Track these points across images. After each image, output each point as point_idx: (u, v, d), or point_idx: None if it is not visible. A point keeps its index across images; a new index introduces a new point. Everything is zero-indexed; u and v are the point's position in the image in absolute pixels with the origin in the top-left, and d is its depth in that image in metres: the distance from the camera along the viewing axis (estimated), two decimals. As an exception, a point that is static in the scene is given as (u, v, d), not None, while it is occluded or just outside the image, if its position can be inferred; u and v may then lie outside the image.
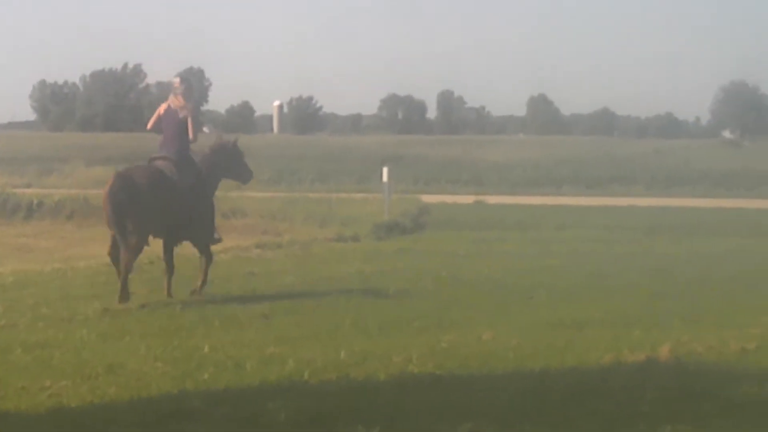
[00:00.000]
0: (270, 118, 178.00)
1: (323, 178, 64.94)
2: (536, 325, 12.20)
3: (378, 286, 16.08)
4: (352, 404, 7.91)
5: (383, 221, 31.18)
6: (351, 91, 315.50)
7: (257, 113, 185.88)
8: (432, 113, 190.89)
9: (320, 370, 9.16)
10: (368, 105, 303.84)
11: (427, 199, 42.20)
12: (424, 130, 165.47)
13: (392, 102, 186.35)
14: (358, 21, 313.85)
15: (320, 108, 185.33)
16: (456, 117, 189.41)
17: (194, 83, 16.98)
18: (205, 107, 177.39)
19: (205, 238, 15.44)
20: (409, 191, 49.08)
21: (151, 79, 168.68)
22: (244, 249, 22.79)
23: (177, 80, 15.62)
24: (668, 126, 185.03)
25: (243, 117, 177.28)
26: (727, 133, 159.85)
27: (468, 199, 44.47)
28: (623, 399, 7.89)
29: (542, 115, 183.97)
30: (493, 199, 43.28)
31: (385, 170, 35.45)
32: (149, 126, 15.38)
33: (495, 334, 11.19)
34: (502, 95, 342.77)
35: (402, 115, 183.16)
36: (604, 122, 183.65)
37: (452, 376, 8.97)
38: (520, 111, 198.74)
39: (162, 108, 15.23)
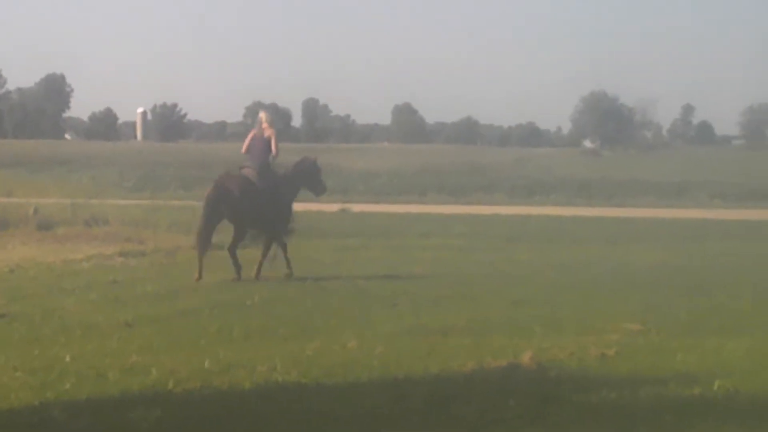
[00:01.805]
0: (133, 125, 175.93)
1: (188, 185, 64.36)
2: (400, 333, 12.28)
3: (242, 295, 16.03)
4: (216, 413, 7.87)
5: (248, 229, 31.01)
6: (216, 99, 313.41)
7: (120, 120, 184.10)
8: (297, 121, 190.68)
9: (184, 379, 9.09)
10: (233, 112, 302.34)
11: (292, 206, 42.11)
12: (290, 138, 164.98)
13: (257, 109, 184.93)
14: (223, 27, 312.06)
15: (185, 115, 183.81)
16: (321, 125, 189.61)
17: (275, 116, 20.40)
18: (66, 114, 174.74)
19: (274, 231, 19.55)
20: (274, 199, 48.82)
21: (11, 85, 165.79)
22: (106, 257, 22.52)
23: (263, 115, 20.40)
24: (530, 135, 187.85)
25: (106, 124, 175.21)
26: (587, 143, 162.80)
27: (333, 207, 44.43)
28: (485, 405, 7.97)
29: (407, 123, 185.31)
30: (357, 207, 43.44)
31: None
32: (244, 149, 19.74)
33: (359, 342, 11.23)
34: (367, 104, 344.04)
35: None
36: (468, 131, 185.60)
37: (317, 384, 8.97)
38: (385, 119, 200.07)
39: (252, 134, 19.87)
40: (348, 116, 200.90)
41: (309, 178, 20.45)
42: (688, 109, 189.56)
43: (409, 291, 16.62)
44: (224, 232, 20.24)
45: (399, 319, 13.55)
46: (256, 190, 19.01)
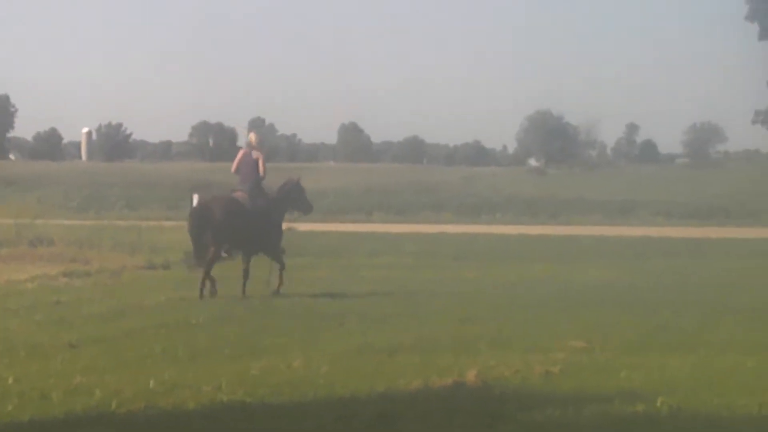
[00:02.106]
0: (78, 144, 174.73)
1: (133, 205, 64.15)
2: (347, 352, 12.26)
3: (188, 314, 15.96)
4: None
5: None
6: (161, 118, 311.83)
7: (65, 140, 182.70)
8: (243, 141, 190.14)
9: (128, 400, 9.03)
10: (179, 132, 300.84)
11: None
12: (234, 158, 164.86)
13: (203, 129, 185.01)
14: (168, 46, 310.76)
15: (130, 135, 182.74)
16: (267, 144, 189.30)
17: (264, 136, 20.78)
18: (10, 134, 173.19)
19: (274, 251, 19.97)
20: (220, 218, 48.74)
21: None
22: (51, 277, 22.33)
23: (252, 136, 20.76)
24: (476, 154, 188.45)
25: (50, 144, 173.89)
26: (532, 161, 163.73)
27: (280, 226, 44.40)
28: (431, 424, 7.99)
29: (353, 142, 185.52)
30: (304, 226, 43.28)
31: (195, 197, 35.16)
32: (233, 168, 20.24)
33: (305, 361, 11.20)
34: (313, 123, 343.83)
35: (213, 142, 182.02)
36: (414, 150, 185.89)
37: (262, 403, 8.95)
38: (331, 139, 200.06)
39: (240, 154, 20.30)
40: (294, 135, 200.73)
41: (295, 199, 20.80)
42: (632, 128, 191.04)
43: (356, 310, 16.61)
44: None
45: (346, 338, 13.54)
46: (245, 212, 19.38)
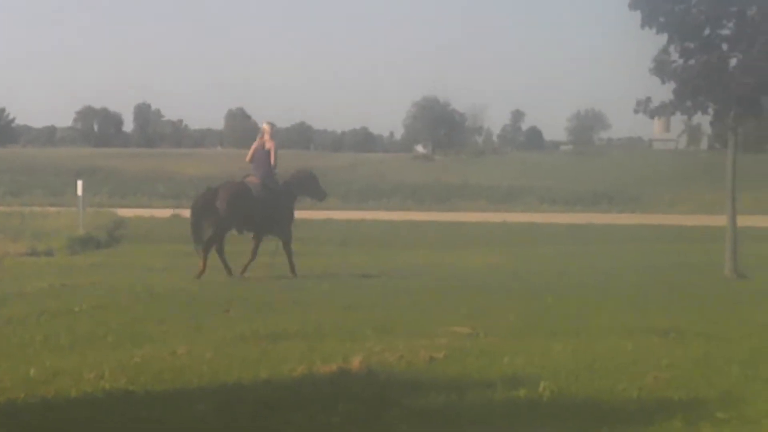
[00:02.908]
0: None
1: (15, 191, 63.02)
2: (231, 339, 12.18)
3: (71, 302, 15.71)
4: (41, 422, 7.72)
5: (78, 235, 30.61)
6: (45, 103, 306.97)
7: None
8: (129, 126, 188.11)
9: (8, 388, 8.88)
10: (63, 117, 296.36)
11: (123, 212, 41.64)
12: (121, 143, 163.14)
13: (88, 114, 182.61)
14: (53, 30, 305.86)
15: (13, 120, 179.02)
16: (153, 130, 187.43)
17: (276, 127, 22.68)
18: None
19: (283, 235, 21.20)
20: (104, 205, 48.27)
21: None
22: (-72, 265, 21.86)
23: (266, 126, 21.63)
24: (363, 140, 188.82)
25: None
26: (419, 148, 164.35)
27: (165, 212, 44.01)
28: (315, 410, 7.98)
29: (240, 128, 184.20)
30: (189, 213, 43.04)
31: (79, 183, 34.79)
32: (248, 158, 21.32)
33: (190, 348, 11.10)
34: (200, 109, 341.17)
35: (98, 127, 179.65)
36: (301, 136, 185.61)
37: (145, 391, 8.86)
38: (218, 124, 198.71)
39: (255, 144, 21.32)
40: (180, 121, 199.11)
41: (309, 187, 22.23)
42: (517, 115, 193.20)
43: (241, 296, 16.54)
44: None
45: (230, 325, 13.44)
46: (251, 197, 20.61)
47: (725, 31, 20.21)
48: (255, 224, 21.05)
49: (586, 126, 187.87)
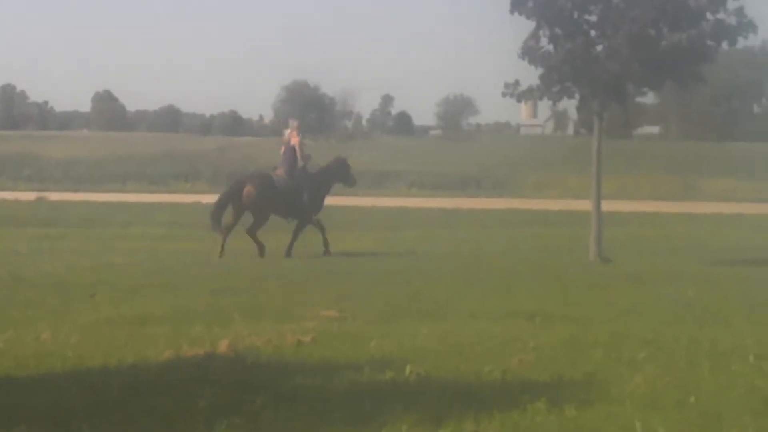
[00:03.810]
0: None
1: None
2: (97, 323, 12.02)
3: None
4: None
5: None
6: None
7: None
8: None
9: None
10: None
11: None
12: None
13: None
14: None
15: None
16: (18, 112, 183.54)
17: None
18: None
19: (304, 218, 23.45)
20: (-34, 187, 47.09)
21: None
22: None
23: (294, 123, 24.57)
24: (232, 124, 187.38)
25: None
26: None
27: (30, 195, 43.25)
28: (181, 394, 7.91)
29: (107, 111, 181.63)
30: (55, 196, 42.47)
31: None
32: (282, 152, 23.82)
33: (54, 333, 10.92)
34: (67, 91, 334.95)
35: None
36: (169, 119, 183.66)
37: (7, 377, 8.69)
38: (85, 107, 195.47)
39: (284, 138, 23.94)
40: (46, 103, 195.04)
41: (341, 174, 24.56)
42: (387, 100, 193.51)
43: (108, 281, 16.33)
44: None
45: (96, 309, 13.26)
46: (274, 187, 23.06)
47: (592, 18, 20.49)
48: (280, 211, 23.34)
49: (455, 111, 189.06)
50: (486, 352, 9.97)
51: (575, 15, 20.31)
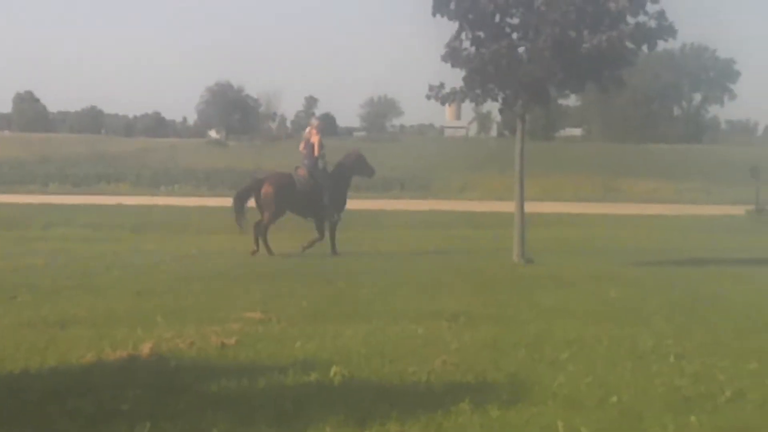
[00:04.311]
0: None
1: None
2: (18, 325, 11.87)
3: None
4: None
5: None
6: None
7: None
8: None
9: None
10: None
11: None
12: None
13: None
14: None
15: None
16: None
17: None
18: None
19: (325, 216, 23.94)
20: None
21: None
22: None
23: (314, 121, 25.26)
24: (156, 125, 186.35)
25: None
26: (212, 133, 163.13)
27: (-51, 197, 42.55)
28: (104, 397, 7.85)
29: (28, 112, 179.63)
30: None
31: None
32: (301, 148, 24.27)
33: (-27, 336, 10.80)
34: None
35: None
36: (92, 120, 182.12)
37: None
38: (6, 108, 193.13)
39: (305, 135, 24.37)
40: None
41: (359, 166, 24.92)
42: (311, 101, 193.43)
43: (29, 283, 16.13)
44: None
45: (17, 312, 13.10)
46: (294, 187, 23.57)
47: (514, 20, 20.59)
48: (298, 210, 23.97)
49: (379, 113, 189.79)
50: (410, 353, 10.01)
51: (497, 18, 20.39)
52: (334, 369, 8.97)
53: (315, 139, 23.93)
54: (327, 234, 23.99)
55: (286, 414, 7.51)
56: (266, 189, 23.43)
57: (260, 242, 23.26)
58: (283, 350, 10.10)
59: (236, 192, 24.34)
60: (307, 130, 24.58)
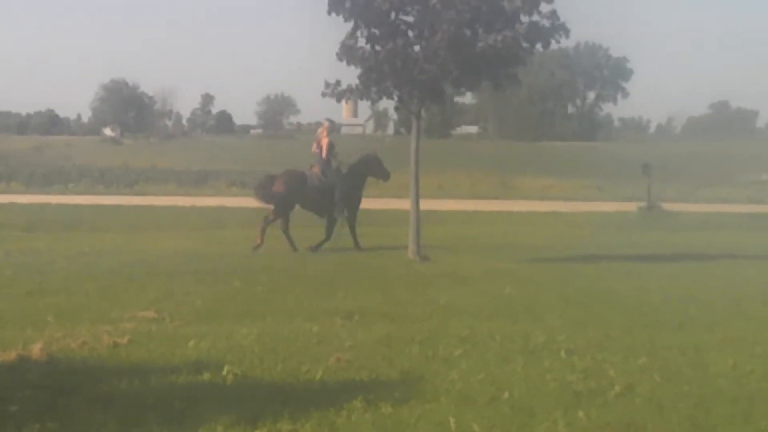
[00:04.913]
0: None
1: None
2: None
3: None
4: None
5: None
6: None
7: None
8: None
9: None
10: None
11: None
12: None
13: None
14: None
15: None
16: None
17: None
18: None
19: (339, 215, 24.76)
20: None
21: None
22: None
23: (326, 122, 25.77)
24: (50, 122, 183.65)
25: None
26: (107, 131, 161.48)
27: None
28: (-7, 400, 7.74)
29: None
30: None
31: None
32: (314, 149, 24.95)
33: None
34: None
35: None
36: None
37: None
38: None
39: (317, 136, 25.08)
40: None
41: (374, 169, 25.56)
42: (207, 99, 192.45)
43: None
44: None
45: None
46: (306, 185, 24.45)
47: (410, 19, 20.66)
48: (311, 206, 24.85)
49: (276, 110, 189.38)
50: (304, 351, 10.01)
51: (393, 16, 20.45)
52: (226, 368, 8.94)
53: (324, 142, 24.78)
54: (334, 232, 24.89)
55: (177, 414, 7.46)
56: (277, 186, 24.38)
57: (285, 239, 24.19)
58: (176, 350, 10.03)
59: (254, 188, 25.74)
60: (319, 131, 25.32)
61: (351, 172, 25.23)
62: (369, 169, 25.58)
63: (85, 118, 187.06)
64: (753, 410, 7.95)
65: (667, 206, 46.31)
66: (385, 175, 25.72)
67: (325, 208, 24.83)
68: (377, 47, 20.47)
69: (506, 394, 8.25)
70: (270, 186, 24.53)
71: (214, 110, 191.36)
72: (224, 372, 8.84)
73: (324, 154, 24.71)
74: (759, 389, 8.68)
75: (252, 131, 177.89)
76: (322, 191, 24.52)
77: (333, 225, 24.93)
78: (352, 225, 24.97)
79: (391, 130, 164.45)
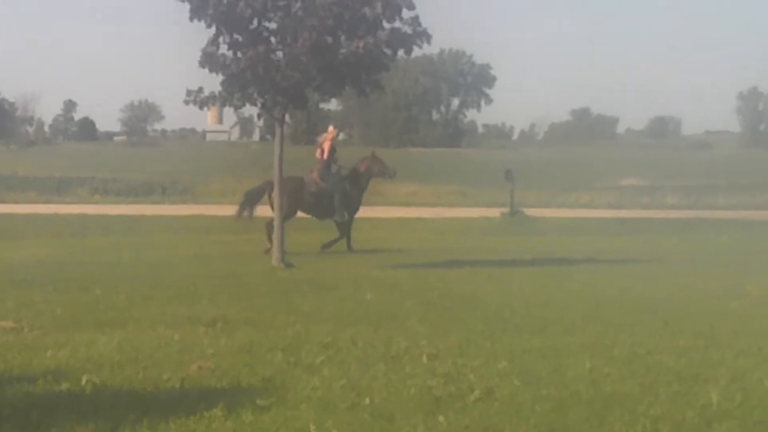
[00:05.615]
0: None
1: None
2: None
3: None
4: None
5: None
6: None
7: None
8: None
9: None
10: None
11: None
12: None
13: None
14: None
15: None
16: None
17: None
18: None
19: (338, 217, 25.83)
20: None
21: None
22: None
23: (332, 128, 27.14)
24: None
25: None
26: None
27: None
28: None
29: None
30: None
31: None
32: (317, 154, 25.92)
33: None
34: None
35: None
36: None
37: None
38: None
39: (320, 141, 26.52)
40: None
41: (376, 170, 26.51)
42: (70, 105, 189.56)
43: None
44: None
45: None
46: (304, 191, 25.35)
47: (272, 25, 20.64)
48: (310, 210, 25.93)
49: (140, 117, 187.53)
50: (164, 359, 9.95)
51: (255, 22, 20.42)
52: (85, 377, 8.85)
53: (326, 145, 25.73)
54: (348, 231, 26.02)
55: (33, 424, 7.36)
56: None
57: (268, 238, 24.22)
58: (34, 360, 9.88)
59: (247, 190, 26.70)
60: (322, 136, 26.38)
61: (350, 176, 26.12)
62: (371, 171, 26.52)
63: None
64: (608, 412, 8.12)
65: (529, 212, 46.94)
66: (391, 173, 26.83)
67: (324, 212, 25.83)
68: (239, 54, 20.41)
69: (367, 400, 8.31)
70: (269, 192, 24.44)
71: (77, 117, 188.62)
72: (83, 381, 8.74)
73: (325, 156, 25.60)
74: (614, 392, 8.86)
75: (116, 138, 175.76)
76: (320, 196, 25.45)
77: (344, 225, 26.07)
78: (348, 227, 26.03)
79: (256, 136, 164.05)
